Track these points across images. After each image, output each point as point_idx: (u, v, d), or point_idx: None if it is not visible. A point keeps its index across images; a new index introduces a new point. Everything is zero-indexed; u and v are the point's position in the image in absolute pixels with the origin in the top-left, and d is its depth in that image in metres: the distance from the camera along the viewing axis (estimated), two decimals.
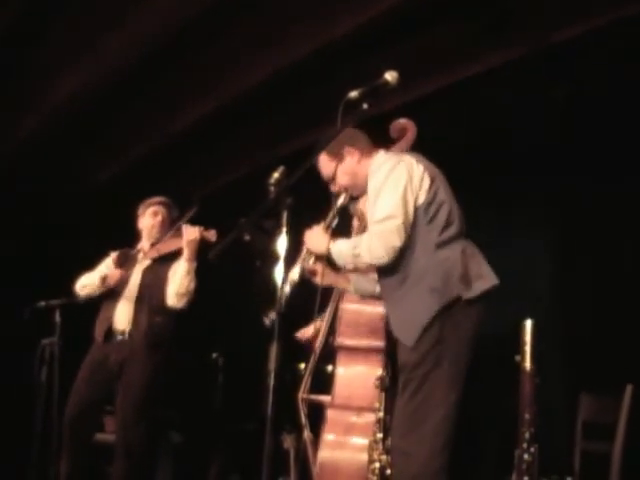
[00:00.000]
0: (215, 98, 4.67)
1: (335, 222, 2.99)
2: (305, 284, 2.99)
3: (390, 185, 2.71)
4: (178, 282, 3.88)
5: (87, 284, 3.99)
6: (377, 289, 3.10)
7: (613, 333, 4.01)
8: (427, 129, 3.26)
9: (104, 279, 3.94)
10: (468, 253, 2.71)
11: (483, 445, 4.11)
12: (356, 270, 3.02)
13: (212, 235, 3.84)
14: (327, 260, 2.94)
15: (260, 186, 2.89)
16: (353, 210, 3.24)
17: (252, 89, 4.45)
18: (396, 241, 2.64)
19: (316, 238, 2.85)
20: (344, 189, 2.96)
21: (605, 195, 4.19)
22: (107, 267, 4.07)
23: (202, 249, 3.86)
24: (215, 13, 3.78)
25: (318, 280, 3.05)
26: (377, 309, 3.48)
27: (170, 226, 4.06)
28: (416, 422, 2.60)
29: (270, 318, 2.79)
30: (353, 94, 2.67)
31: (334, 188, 2.98)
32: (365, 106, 2.69)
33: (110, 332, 3.88)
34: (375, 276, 3.00)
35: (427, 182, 2.73)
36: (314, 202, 3.02)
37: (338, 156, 2.92)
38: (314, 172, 2.81)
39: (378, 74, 2.74)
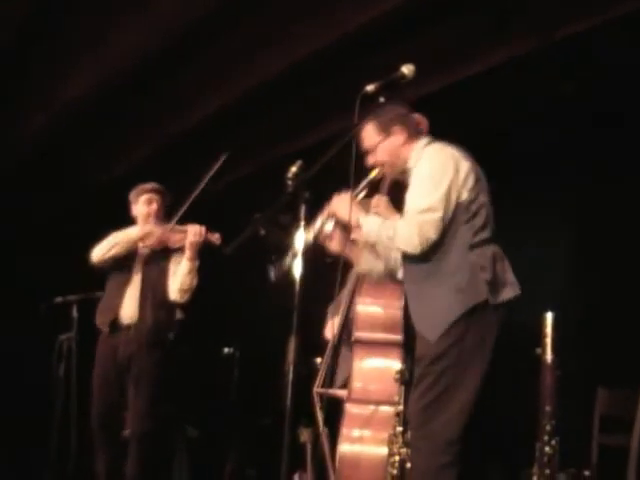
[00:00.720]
0: (218, 98, 4.66)
1: (363, 194, 2.96)
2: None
3: (436, 176, 2.69)
4: (180, 279, 3.85)
5: (116, 243, 3.86)
6: (383, 270, 3.05)
7: (631, 326, 4.00)
8: (435, 127, 3.25)
9: (145, 234, 3.84)
10: (497, 258, 2.71)
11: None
12: (374, 246, 2.97)
13: (216, 239, 3.80)
14: (346, 229, 2.92)
15: (273, 180, 2.90)
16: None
17: (254, 89, 4.44)
18: (432, 234, 2.64)
19: (345, 204, 2.81)
20: (380, 165, 2.91)
21: (622, 187, 4.17)
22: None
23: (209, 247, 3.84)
24: (218, 14, 3.77)
25: (332, 246, 2.99)
26: (393, 303, 3.48)
27: (165, 214, 3.97)
28: (427, 417, 2.62)
29: (276, 270, 2.82)
30: (369, 88, 2.67)
31: (371, 160, 2.92)
32: (381, 99, 2.70)
33: (116, 324, 3.83)
34: (380, 256, 2.98)
35: (472, 180, 2.71)
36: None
37: (385, 131, 2.86)
38: (332, 167, 2.80)
39: (391, 68, 2.74)
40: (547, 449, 2.17)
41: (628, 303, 4.05)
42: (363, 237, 2.85)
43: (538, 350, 2.25)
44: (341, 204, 2.84)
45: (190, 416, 4.96)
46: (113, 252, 3.85)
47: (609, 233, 4.22)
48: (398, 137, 2.86)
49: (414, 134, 2.89)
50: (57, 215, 5.96)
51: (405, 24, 3.89)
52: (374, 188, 3.07)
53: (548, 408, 2.18)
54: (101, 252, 3.84)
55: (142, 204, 3.98)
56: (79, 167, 5.66)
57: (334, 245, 3.00)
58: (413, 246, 2.66)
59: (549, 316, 2.26)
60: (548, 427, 2.17)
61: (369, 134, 2.89)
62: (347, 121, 2.71)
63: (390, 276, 3.09)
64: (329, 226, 2.91)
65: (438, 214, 2.64)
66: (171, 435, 4.52)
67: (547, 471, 2.17)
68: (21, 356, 5.45)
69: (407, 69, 2.71)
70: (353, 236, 2.95)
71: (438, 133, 3.00)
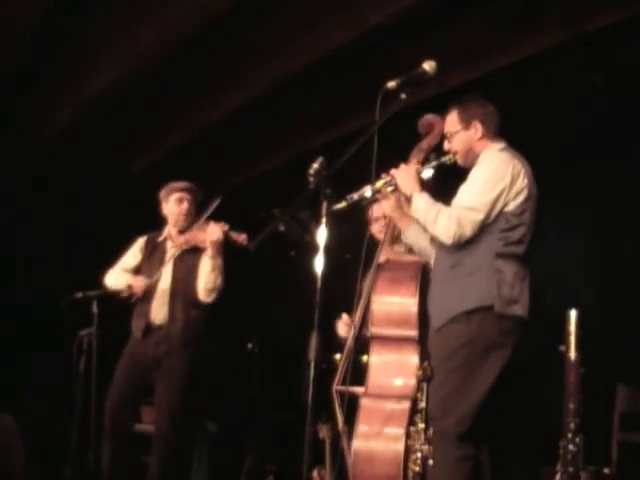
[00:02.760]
0: (249, 88, 4.66)
1: (429, 173, 3.04)
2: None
3: (491, 181, 2.78)
4: (205, 278, 3.87)
5: (113, 284, 4.02)
6: (425, 247, 3.13)
7: None
8: None
9: (130, 287, 3.95)
10: (519, 278, 2.77)
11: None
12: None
13: (243, 239, 3.79)
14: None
15: (295, 176, 2.90)
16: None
17: (286, 79, 4.43)
18: (468, 232, 2.76)
19: (407, 176, 2.95)
20: (454, 153, 3.00)
21: None
22: (135, 258, 4.07)
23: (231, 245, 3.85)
24: (248, 4, 3.78)
25: (385, 207, 3.12)
26: (408, 299, 3.48)
27: (196, 213, 4.01)
28: (440, 414, 2.76)
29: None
30: (391, 84, 2.68)
31: (447, 146, 3.03)
32: (403, 96, 2.70)
33: (148, 327, 3.89)
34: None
35: (523, 196, 2.79)
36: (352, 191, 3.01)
37: (466, 123, 2.95)
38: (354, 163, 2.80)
39: (411, 64, 2.74)
40: (571, 447, 2.16)
41: None
42: (411, 211, 2.96)
43: (562, 347, 2.25)
44: (405, 175, 2.96)
45: (210, 411, 4.97)
46: (114, 290, 4.01)
47: (632, 230, 4.19)
48: (476, 132, 2.94)
49: (492, 135, 2.96)
50: (77, 211, 5.99)
51: (428, 18, 3.89)
52: (442, 172, 3.12)
53: (572, 406, 2.17)
54: (106, 283, 4.05)
55: (173, 203, 4.02)
56: (99, 163, 5.68)
57: (386, 207, 3.11)
58: (447, 236, 2.77)
59: (573, 314, 2.25)
60: (572, 425, 2.16)
61: (451, 120, 3.00)
62: (369, 118, 2.70)
63: (426, 257, 3.18)
64: (388, 189, 3.02)
65: (480, 216, 2.75)
66: (193, 430, 4.54)
67: (571, 469, 2.16)
68: (41, 352, 5.50)
69: (429, 65, 2.73)
70: (384, 206, 3.09)
71: None
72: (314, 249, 2.56)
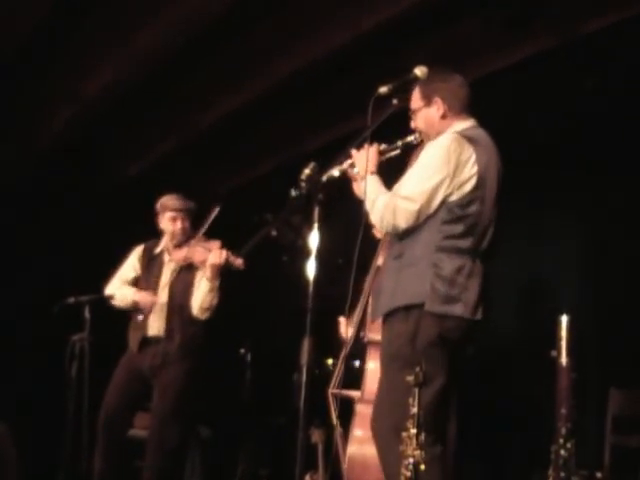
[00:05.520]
0: (243, 92, 4.67)
1: (394, 153, 2.87)
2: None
3: (432, 167, 2.61)
4: (201, 298, 3.88)
5: (117, 298, 4.00)
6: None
7: None
8: None
9: (136, 304, 3.95)
10: (464, 273, 2.59)
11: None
12: None
13: (239, 264, 3.79)
14: None
15: (288, 180, 2.90)
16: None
17: (279, 84, 4.46)
18: (402, 223, 2.61)
19: (365, 157, 2.75)
20: (418, 131, 2.84)
21: (636, 189, 4.15)
22: (134, 269, 4.08)
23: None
24: (244, 8, 3.79)
25: (354, 187, 2.87)
26: None
27: (191, 228, 4.01)
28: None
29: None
30: (383, 89, 2.68)
31: (412, 124, 2.85)
32: (395, 101, 2.71)
33: (144, 341, 3.91)
34: None
35: (470, 185, 2.62)
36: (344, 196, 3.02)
37: (427, 99, 2.77)
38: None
39: (406, 68, 2.74)
40: (563, 452, 2.16)
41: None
42: (360, 192, 2.79)
43: (553, 352, 2.25)
44: (362, 154, 2.77)
45: (203, 416, 4.97)
46: (115, 302, 4.00)
47: (623, 235, 4.20)
48: (437, 110, 2.76)
49: (456, 112, 2.77)
50: (73, 214, 5.98)
51: (422, 23, 3.89)
52: (409, 152, 2.98)
53: (564, 411, 2.17)
54: (108, 294, 4.00)
55: (167, 221, 4.03)
56: (95, 166, 5.69)
57: (355, 188, 2.88)
58: (380, 226, 2.69)
59: (564, 319, 2.25)
60: (564, 430, 2.16)
61: (414, 97, 2.82)
62: (361, 122, 2.70)
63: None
64: (354, 171, 2.83)
65: (415, 206, 2.59)
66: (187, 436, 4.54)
67: (563, 474, 2.17)
68: (34, 356, 5.48)
69: (420, 71, 2.73)
70: (354, 187, 2.88)
71: None
72: (306, 253, 2.57)
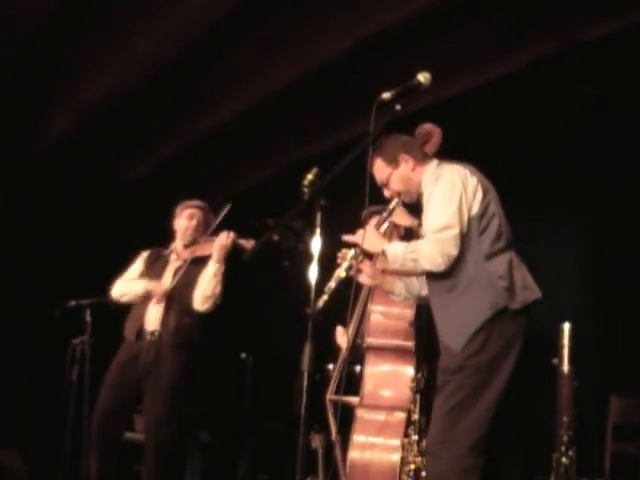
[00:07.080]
0: (244, 97, 4.67)
1: (385, 225, 3.06)
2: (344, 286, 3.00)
3: (447, 195, 2.79)
4: (205, 284, 3.89)
5: (127, 293, 4.00)
6: (422, 291, 3.16)
7: None
8: (455, 130, 3.26)
9: (149, 292, 3.94)
10: (514, 265, 2.79)
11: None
12: (402, 273, 3.10)
13: (251, 245, 3.83)
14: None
15: (290, 184, 2.90)
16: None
17: (282, 87, 4.44)
18: (453, 250, 2.73)
19: (372, 238, 2.90)
20: (397, 194, 3.01)
21: (637, 195, 4.15)
22: (139, 271, 4.09)
23: (234, 252, 3.88)
24: (245, 12, 3.79)
25: (363, 279, 3.10)
26: (405, 310, 3.49)
27: (205, 230, 4.08)
28: (449, 423, 2.66)
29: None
30: (386, 95, 2.68)
31: (387, 193, 3.05)
32: (398, 107, 2.70)
33: (141, 332, 3.91)
34: (419, 278, 3.09)
35: (480, 194, 2.81)
36: (346, 202, 3.03)
37: (393, 162, 2.98)
38: (347, 173, 2.81)
39: (407, 73, 2.74)
40: (564, 459, 2.16)
41: None
42: (389, 264, 2.92)
43: (555, 360, 2.25)
44: (370, 238, 2.90)
45: (203, 421, 4.97)
46: (125, 300, 4.01)
47: (624, 243, 4.20)
48: (407, 164, 2.99)
49: (421, 158, 3.00)
50: (72, 218, 5.98)
51: (423, 29, 3.89)
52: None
53: (565, 419, 2.17)
54: (117, 295, 4.01)
55: (184, 218, 4.12)
56: (94, 171, 5.69)
57: (365, 279, 3.10)
58: (437, 264, 2.74)
59: (566, 327, 2.25)
60: (565, 437, 2.17)
61: (379, 168, 3.01)
62: (364, 127, 2.71)
63: (414, 296, 3.24)
64: (358, 261, 3.00)
65: (455, 230, 2.74)
66: (185, 439, 4.53)
67: None
68: (35, 359, 5.47)
69: (423, 77, 2.73)
70: (378, 265, 3.08)
71: (458, 136, 3.02)
72: (308, 259, 2.57)
